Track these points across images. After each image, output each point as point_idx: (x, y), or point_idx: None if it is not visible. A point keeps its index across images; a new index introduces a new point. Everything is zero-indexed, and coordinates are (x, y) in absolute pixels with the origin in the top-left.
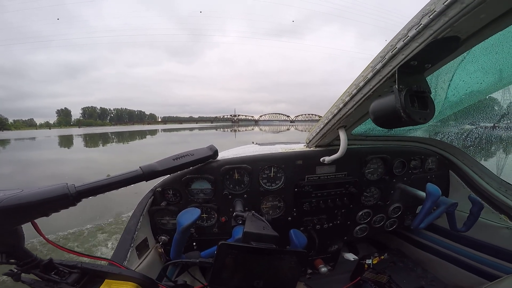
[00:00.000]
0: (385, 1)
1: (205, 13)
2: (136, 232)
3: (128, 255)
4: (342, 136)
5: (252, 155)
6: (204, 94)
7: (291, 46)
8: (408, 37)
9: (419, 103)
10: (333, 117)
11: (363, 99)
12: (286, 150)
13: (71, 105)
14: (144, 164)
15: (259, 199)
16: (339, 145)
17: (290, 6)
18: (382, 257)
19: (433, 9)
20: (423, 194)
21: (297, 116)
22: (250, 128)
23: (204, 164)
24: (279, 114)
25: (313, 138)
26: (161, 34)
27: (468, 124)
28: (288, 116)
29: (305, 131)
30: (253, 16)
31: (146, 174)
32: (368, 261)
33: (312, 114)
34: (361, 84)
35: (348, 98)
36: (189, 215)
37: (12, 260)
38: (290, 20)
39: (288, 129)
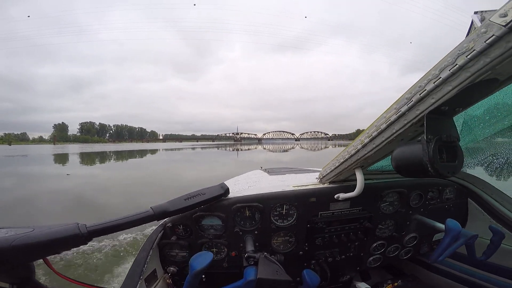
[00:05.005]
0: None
1: (212, 27)
2: (146, 265)
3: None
4: (359, 176)
5: (264, 194)
6: (208, 112)
7: (295, 61)
8: (440, 79)
9: (448, 154)
10: (350, 157)
11: (384, 143)
12: (299, 187)
13: (75, 120)
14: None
15: (270, 235)
16: (355, 180)
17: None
18: (396, 284)
19: (471, 48)
20: (441, 226)
21: (302, 134)
22: (253, 147)
23: (215, 202)
24: (283, 132)
25: (327, 174)
26: (168, 51)
27: (490, 155)
28: (292, 134)
29: (311, 149)
30: (260, 31)
31: (158, 215)
32: None
33: (317, 132)
34: (382, 127)
35: (367, 139)
36: (202, 260)
37: None
38: (291, 37)
39: (293, 148)
